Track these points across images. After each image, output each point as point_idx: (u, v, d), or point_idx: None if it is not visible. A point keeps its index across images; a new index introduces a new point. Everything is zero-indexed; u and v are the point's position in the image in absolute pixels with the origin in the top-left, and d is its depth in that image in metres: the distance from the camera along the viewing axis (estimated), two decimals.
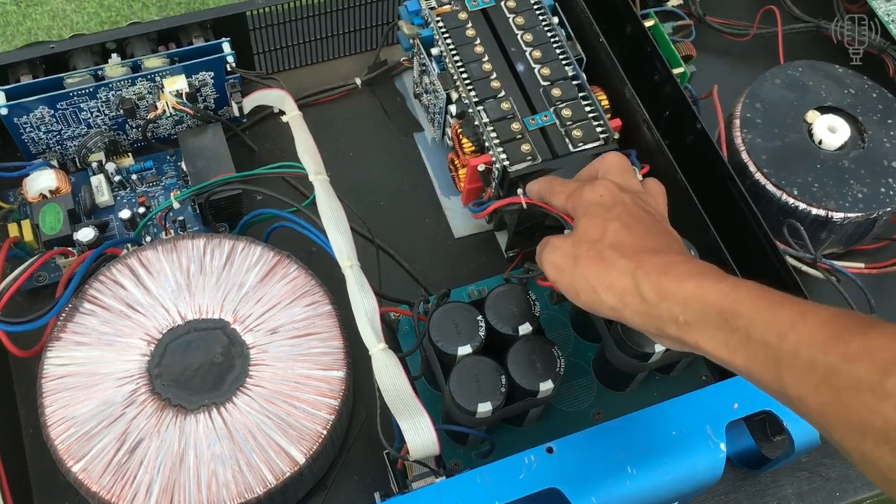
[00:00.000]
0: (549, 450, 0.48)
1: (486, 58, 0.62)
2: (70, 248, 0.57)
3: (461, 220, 0.65)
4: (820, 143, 0.62)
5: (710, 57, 0.73)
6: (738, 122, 0.63)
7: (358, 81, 0.69)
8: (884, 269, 0.63)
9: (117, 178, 0.62)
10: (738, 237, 0.58)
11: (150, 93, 0.61)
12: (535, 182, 0.54)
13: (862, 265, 0.64)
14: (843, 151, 0.62)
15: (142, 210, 0.61)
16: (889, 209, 0.60)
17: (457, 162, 0.63)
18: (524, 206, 0.56)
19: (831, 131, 0.62)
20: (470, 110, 0.60)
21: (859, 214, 0.59)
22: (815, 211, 0.60)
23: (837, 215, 0.59)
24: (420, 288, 0.62)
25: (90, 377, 0.50)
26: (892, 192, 0.60)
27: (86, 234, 0.57)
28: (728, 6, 0.75)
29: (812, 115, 0.63)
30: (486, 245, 0.65)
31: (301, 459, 0.49)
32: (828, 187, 0.60)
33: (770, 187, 0.60)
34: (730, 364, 0.39)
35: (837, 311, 0.36)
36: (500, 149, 0.58)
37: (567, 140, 0.59)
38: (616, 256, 0.44)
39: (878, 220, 0.61)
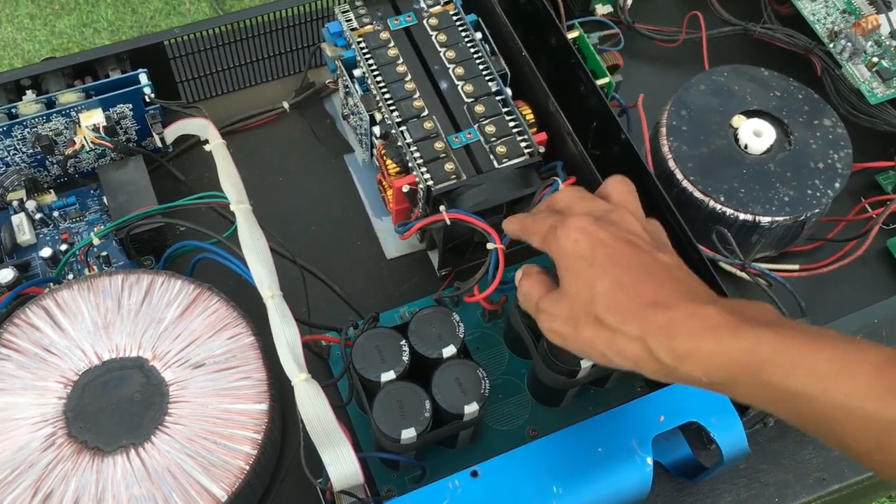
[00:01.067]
0: (474, 473, 0.48)
1: (408, 77, 0.61)
2: None
3: (393, 241, 0.65)
4: (745, 147, 0.61)
5: (641, 64, 0.73)
6: (664, 130, 0.62)
7: (286, 105, 0.69)
8: (818, 270, 0.63)
9: (39, 215, 0.61)
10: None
11: (66, 128, 0.60)
12: (508, 221, 0.51)
13: (796, 266, 0.64)
14: (768, 155, 0.61)
15: (64, 247, 0.60)
16: (816, 211, 0.60)
17: (384, 183, 0.62)
18: (447, 222, 0.56)
19: (756, 135, 0.61)
20: (393, 131, 0.60)
21: (787, 217, 0.59)
22: (742, 216, 0.59)
23: (765, 219, 0.59)
24: (352, 312, 0.61)
25: (5, 423, 0.49)
26: (818, 194, 0.60)
27: (4, 275, 0.56)
28: (658, 12, 0.75)
29: (737, 120, 0.62)
30: (418, 265, 0.64)
31: (223, 497, 0.48)
32: (754, 192, 0.60)
33: (697, 194, 0.60)
34: (776, 414, 0.36)
35: (882, 353, 0.33)
36: (424, 169, 0.58)
37: (492, 156, 0.59)
38: (617, 322, 0.40)
39: (806, 222, 0.60)
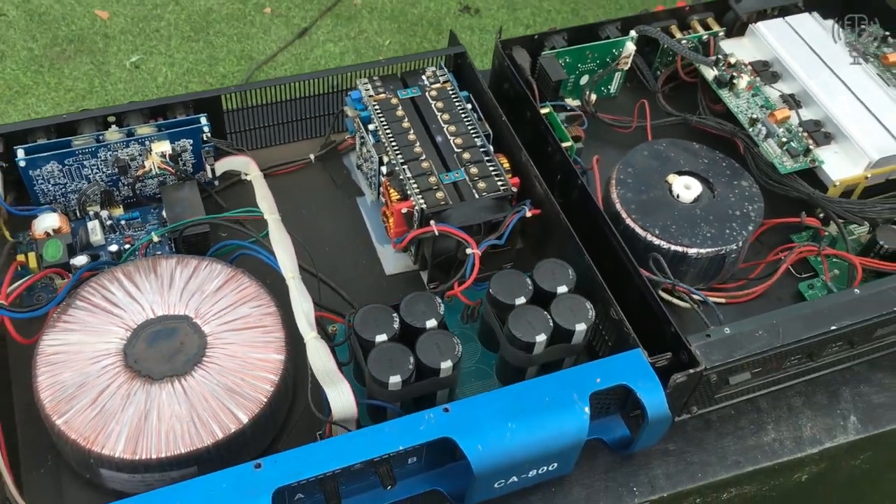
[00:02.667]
0: (446, 409, 0.60)
1: (411, 131, 0.78)
2: (67, 272, 0.70)
3: (392, 261, 0.79)
4: (678, 197, 0.77)
5: (601, 144, 0.89)
6: (614, 181, 0.78)
7: (312, 157, 0.85)
8: (739, 300, 0.77)
9: (109, 222, 0.76)
10: (612, 266, 0.71)
11: (140, 154, 0.76)
12: None
13: (723, 300, 0.77)
14: (696, 204, 0.77)
15: (127, 247, 0.74)
16: (734, 247, 0.74)
17: (387, 212, 0.77)
18: (436, 233, 0.71)
19: (686, 188, 0.77)
20: (397, 168, 0.75)
21: (709, 250, 0.74)
22: (673, 247, 0.74)
23: (691, 251, 0.74)
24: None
25: (76, 354, 0.61)
26: (734, 234, 0.74)
27: (80, 259, 0.70)
28: (617, 107, 0.93)
29: (672, 178, 0.78)
30: (412, 281, 0.78)
31: (244, 419, 0.60)
32: (683, 229, 0.75)
33: (638, 229, 0.75)
34: None
35: None
36: (420, 196, 0.73)
37: (473, 190, 0.74)
38: None
39: (726, 256, 0.75)
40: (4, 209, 0.74)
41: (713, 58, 0.89)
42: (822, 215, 0.82)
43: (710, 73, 0.88)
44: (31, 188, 0.75)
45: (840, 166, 0.81)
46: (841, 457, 0.74)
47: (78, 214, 0.77)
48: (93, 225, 0.75)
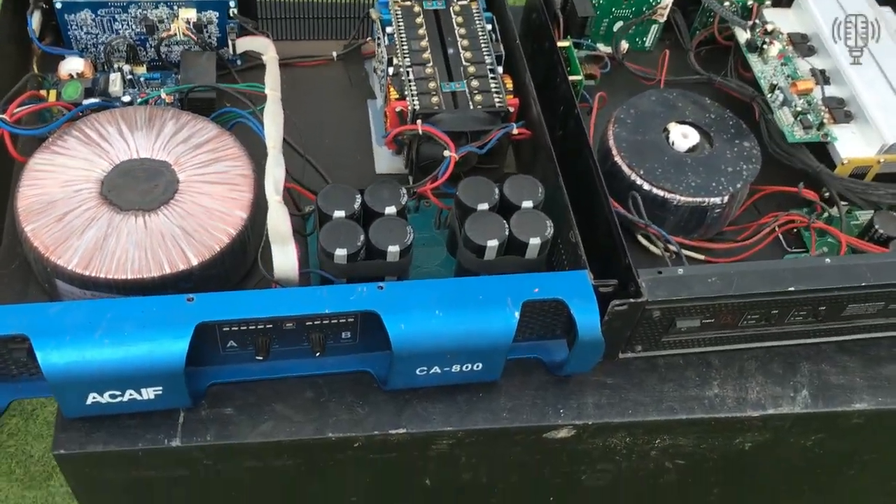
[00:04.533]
0: (380, 287, 0.62)
1: (425, 39, 0.79)
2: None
3: (385, 161, 0.81)
4: (672, 143, 0.76)
5: (620, 92, 0.88)
6: (613, 120, 0.78)
7: (334, 54, 0.88)
8: (717, 258, 0.76)
9: (130, 77, 0.80)
10: (588, 200, 0.71)
11: (167, 18, 0.80)
12: None
13: (702, 256, 0.77)
14: (689, 154, 0.76)
15: (139, 101, 0.78)
16: (717, 200, 0.73)
17: (386, 111, 0.79)
18: (420, 132, 0.73)
19: (683, 136, 0.76)
20: (402, 70, 0.77)
21: (690, 199, 0.73)
22: (654, 190, 0.74)
23: (672, 196, 0.73)
24: None
25: (59, 175, 0.66)
26: (720, 188, 0.73)
27: (91, 101, 0.75)
28: (649, 59, 0.92)
29: (672, 125, 0.78)
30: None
31: (194, 262, 0.63)
32: (668, 174, 0.74)
33: (624, 167, 0.75)
34: None
35: None
36: (416, 98, 0.75)
37: (470, 102, 0.76)
38: None
39: (708, 210, 0.74)
40: (38, 46, 0.79)
41: (750, 22, 0.87)
42: (827, 195, 0.80)
43: (742, 36, 0.86)
44: (64, 32, 0.80)
45: (852, 145, 0.78)
46: (787, 431, 0.72)
47: (104, 67, 0.82)
48: (115, 77, 0.79)
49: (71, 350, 0.56)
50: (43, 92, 0.78)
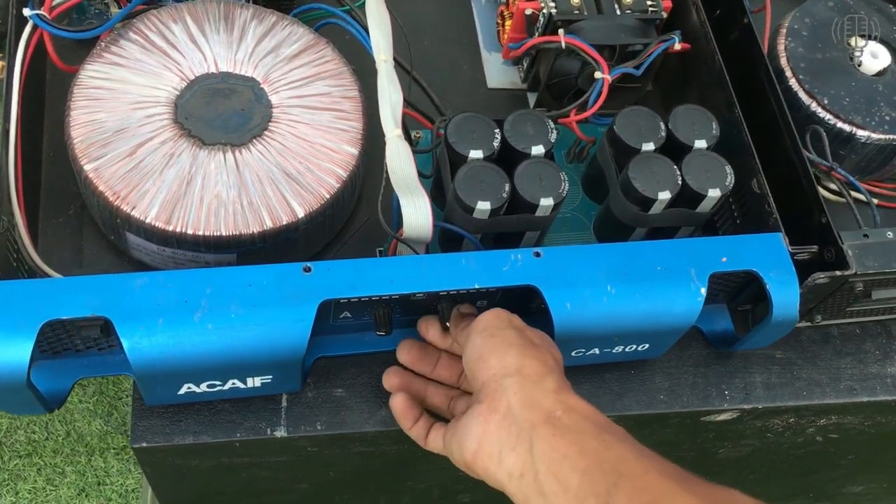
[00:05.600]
0: (537, 254, 0.50)
1: None
2: None
3: (497, 73, 0.67)
4: (860, 65, 0.63)
5: None
6: (784, 31, 0.64)
7: None
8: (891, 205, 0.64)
9: None
10: (759, 132, 0.58)
11: None
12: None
13: (876, 201, 0.65)
14: (880, 77, 0.63)
15: None
16: None
17: (506, 13, 0.64)
18: (562, 45, 0.58)
19: (873, 56, 0.63)
20: None
21: (883, 136, 0.60)
22: (840, 124, 0.61)
23: (862, 133, 0.60)
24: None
25: (120, 93, 0.52)
26: None
27: None
28: None
29: (857, 41, 0.64)
30: (516, 103, 0.66)
31: (300, 213, 0.51)
32: (858, 104, 0.61)
33: (802, 94, 0.61)
34: None
35: None
36: None
37: (616, 4, 0.61)
38: None
39: None
40: None
41: None
42: None
43: None
44: None
45: None
46: None
47: None
48: None
49: (166, 337, 0.44)
50: None
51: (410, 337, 0.53)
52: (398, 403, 0.50)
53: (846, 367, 0.60)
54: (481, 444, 0.43)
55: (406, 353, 0.52)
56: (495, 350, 0.45)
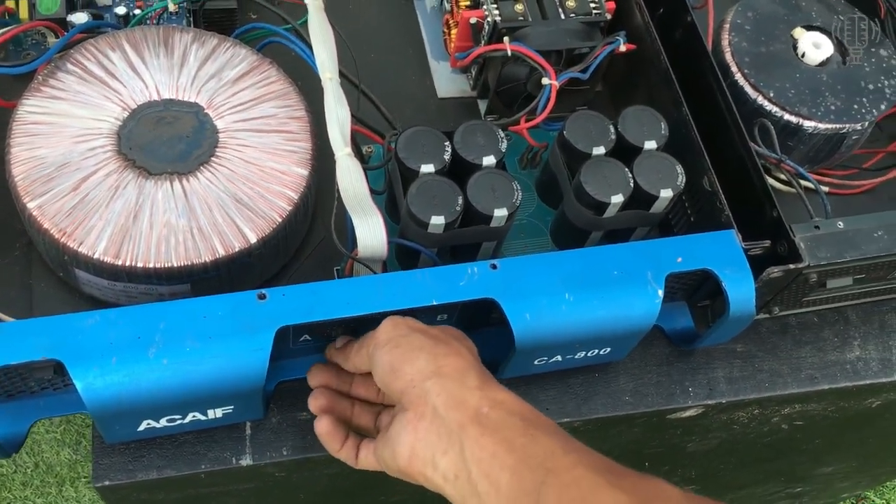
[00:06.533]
0: (494, 266, 0.50)
1: None
2: (62, 29, 0.58)
3: (447, 82, 0.67)
4: (803, 55, 0.63)
5: None
6: (727, 26, 0.64)
7: None
8: (847, 191, 0.65)
9: None
10: (707, 129, 0.59)
11: None
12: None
13: (826, 189, 0.65)
14: (823, 68, 0.63)
15: (137, 12, 0.62)
16: (858, 127, 0.62)
17: (451, 22, 0.64)
18: (508, 53, 0.58)
19: (815, 46, 0.63)
20: None
21: (830, 126, 0.61)
22: (787, 116, 0.61)
23: (808, 124, 0.61)
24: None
25: (61, 127, 0.51)
26: (863, 111, 0.62)
27: (79, 17, 0.58)
28: None
29: (799, 32, 0.64)
30: (466, 110, 0.66)
31: (252, 239, 0.50)
32: (803, 95, 0.62)
33: (748, 88, 0.62)
34: None
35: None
36: (494, 5, 0.60)
37: (560, 9, 0.61)
38: None
39: (846, 137, 0.62)
40: None
41: None
42: None
43: None
44: None
45: None
46: None
47: None
48: None
49: (121, 375, 0.43)
50: (11, 2, 0.60)
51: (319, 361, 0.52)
52: (323, 426, 0.48)
53: (806, 356, 0.60)
54: (414, 450, 0.42)
55: (317, 378, 0.50)
56: (405, 358, 0.44)
